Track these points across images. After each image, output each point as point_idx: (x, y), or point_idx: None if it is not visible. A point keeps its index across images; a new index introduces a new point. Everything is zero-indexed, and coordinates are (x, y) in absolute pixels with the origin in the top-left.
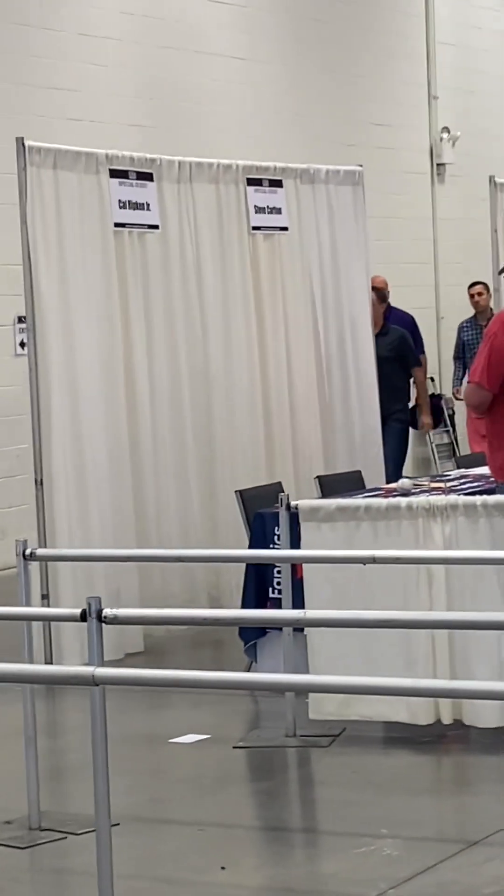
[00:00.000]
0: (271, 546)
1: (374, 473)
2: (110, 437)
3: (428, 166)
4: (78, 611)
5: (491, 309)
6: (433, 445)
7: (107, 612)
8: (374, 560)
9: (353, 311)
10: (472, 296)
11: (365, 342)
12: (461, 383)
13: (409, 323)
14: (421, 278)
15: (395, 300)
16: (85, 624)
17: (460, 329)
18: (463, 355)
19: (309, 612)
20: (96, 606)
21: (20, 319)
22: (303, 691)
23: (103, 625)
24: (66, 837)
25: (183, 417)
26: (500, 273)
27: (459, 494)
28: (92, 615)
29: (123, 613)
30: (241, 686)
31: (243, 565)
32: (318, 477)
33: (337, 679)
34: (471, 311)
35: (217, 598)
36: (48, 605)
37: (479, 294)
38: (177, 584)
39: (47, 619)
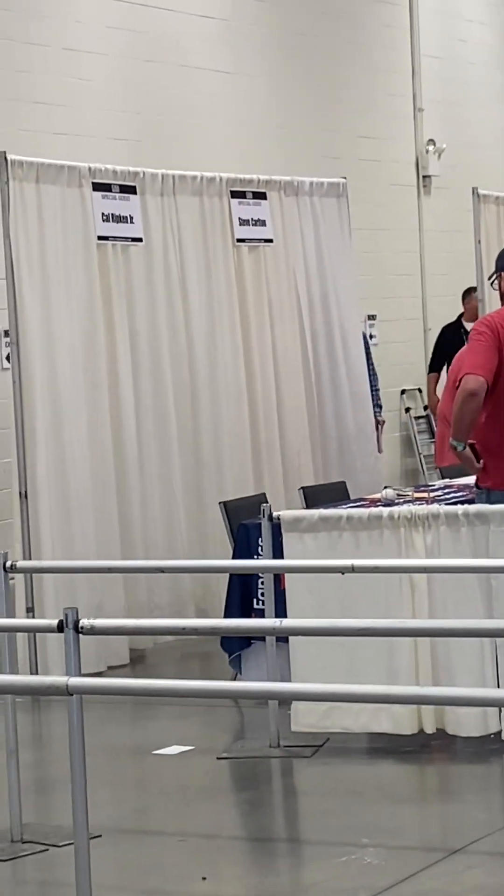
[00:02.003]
0: (255, 557)
1: (371, 482)
2: (94, 451)
3: (414, 178)
4: (55, 621)
5: None
6: (421, 457)
7: (84, 622)
8: (353, 569)
9: (342, 322)
10: None
11: (356, 353)
12: None
13: None
14: (408, 290)
15: (382, 312)
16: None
17: None
18: None
19: (285, 621)
20: (73, 617)
21: (5, 333)
22: (279, 699)
23: (81, 635)
24: (47, 849)
25: (168, 430)
26: (489, 279)
27: (442, 504)
28: (69, 625)
29: (101, 624)
30: (216, 695)
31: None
32: (302, 488)
33: (316, 686)
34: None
35: (205, 609)
36: (33, 618)
37: None
38: (163, 596)
39: (24, 630)
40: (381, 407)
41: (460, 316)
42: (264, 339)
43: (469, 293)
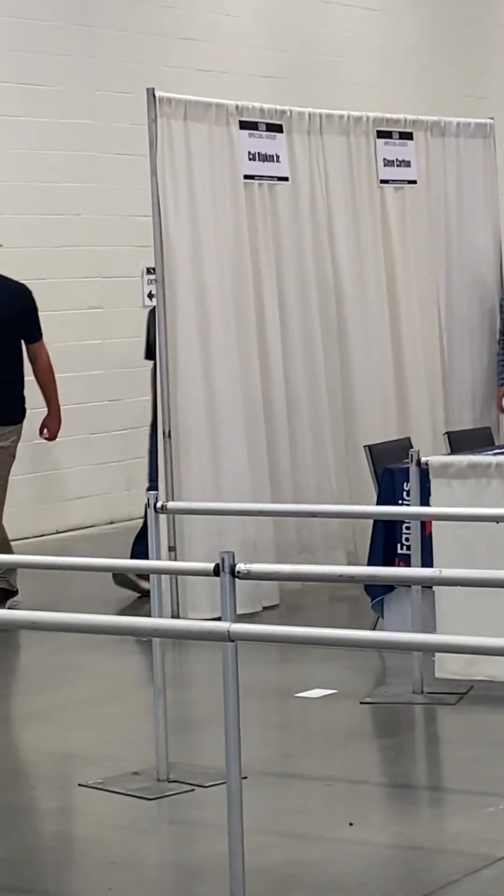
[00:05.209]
0: (400, 502)
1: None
2: (242, 390)
3: None
4: (211, 565)
5: None
6: None
7: (240, 567)
8: None
9: (479, 266)
10: None
11: (491, 296)
12: None
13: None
14: None
15: None
16: (213, 577)
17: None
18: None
19: (444, 571)
20: (230, 561)
21: (148, 270)
22: (425, 650)
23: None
24: (193, 790)
25: (316, 371)
26: None
27: None
28: (225, 570)
29: (257, 569)
30: (376, 645)
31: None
32: (447, 433)
33: (462, 639)
34: None
35: (354, 552)
36: (175, 558)
37: None
38: (313, 539)
39: (181, 573)
40: None
41: None
42: (409, 281)
43: None
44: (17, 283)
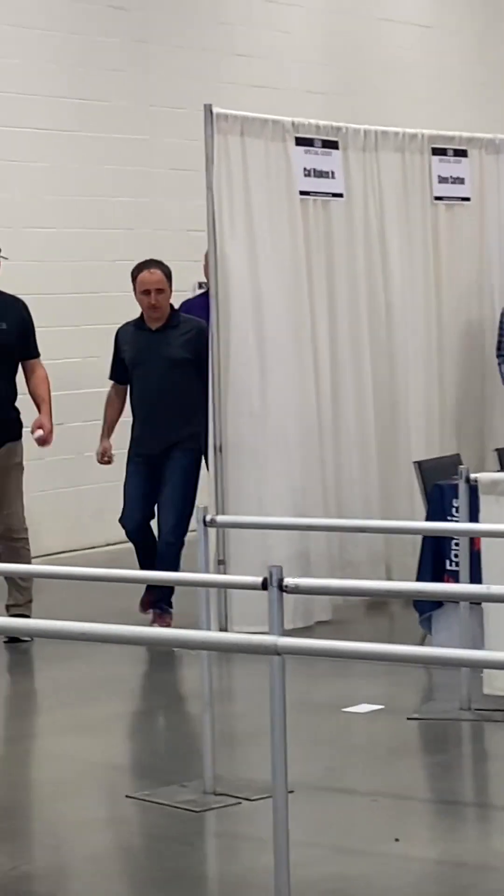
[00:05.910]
0: (448, 518)
1: None
2: (295, 405)
3: None
4: (259, 579)
5: None
6: None
7: (288, 581)
8: None
9: None
10: None
11: None
12: None
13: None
14: None
15: None
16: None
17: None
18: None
19: (493, 588)
20: (278, 575)
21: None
22: (481, 667)
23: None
24: (240, 803)
25: (364, 386)
26: None
27: None
28: (273, 584)
29: (305, 583)
30: (424, 661)
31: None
32: (497, 449)
33: None
34: None
35: (392, 568)
36: (224, 572)
37: None
38: (356, 553)
39: (228, 587)
40: None
41: None
42: (457, 297)
43: None
44: (11, 297)
